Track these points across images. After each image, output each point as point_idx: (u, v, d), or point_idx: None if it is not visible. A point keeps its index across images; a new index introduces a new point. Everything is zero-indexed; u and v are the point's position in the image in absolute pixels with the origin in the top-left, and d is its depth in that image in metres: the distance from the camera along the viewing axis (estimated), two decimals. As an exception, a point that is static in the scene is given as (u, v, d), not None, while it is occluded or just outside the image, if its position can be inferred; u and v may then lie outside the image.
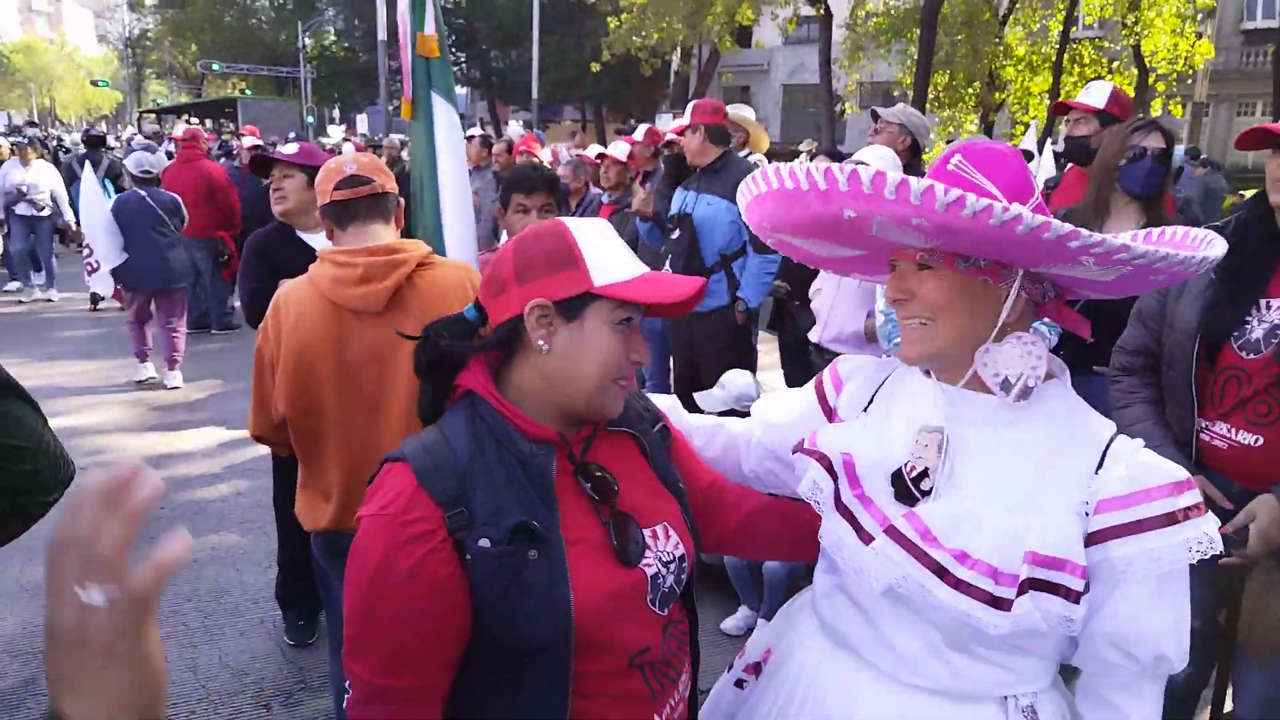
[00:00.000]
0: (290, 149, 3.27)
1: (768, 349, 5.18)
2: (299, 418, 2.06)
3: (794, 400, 1.49)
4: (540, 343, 1.18)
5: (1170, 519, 1.11)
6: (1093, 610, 1.13)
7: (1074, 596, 1.09)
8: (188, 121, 30.57)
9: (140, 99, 56.86)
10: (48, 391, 6.29)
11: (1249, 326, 1.96)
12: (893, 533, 1.16)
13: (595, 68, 19.66)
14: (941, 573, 1.12)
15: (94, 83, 58.53)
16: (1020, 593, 1.09)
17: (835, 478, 1.25)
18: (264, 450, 5.27)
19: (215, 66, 39.20)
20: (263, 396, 2.12)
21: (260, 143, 11.00)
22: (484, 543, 1.12)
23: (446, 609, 1.12)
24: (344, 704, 1.20)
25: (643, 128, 6.25)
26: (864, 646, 1.27)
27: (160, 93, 59.73)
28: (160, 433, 5.64)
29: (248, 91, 39.21)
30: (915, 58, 14.73)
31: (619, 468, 1.27)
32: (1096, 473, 1.15)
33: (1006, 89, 18.14)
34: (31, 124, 17.05)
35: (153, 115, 38.73)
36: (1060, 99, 16.02)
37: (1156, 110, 17.59)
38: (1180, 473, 1.14)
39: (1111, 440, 1.18)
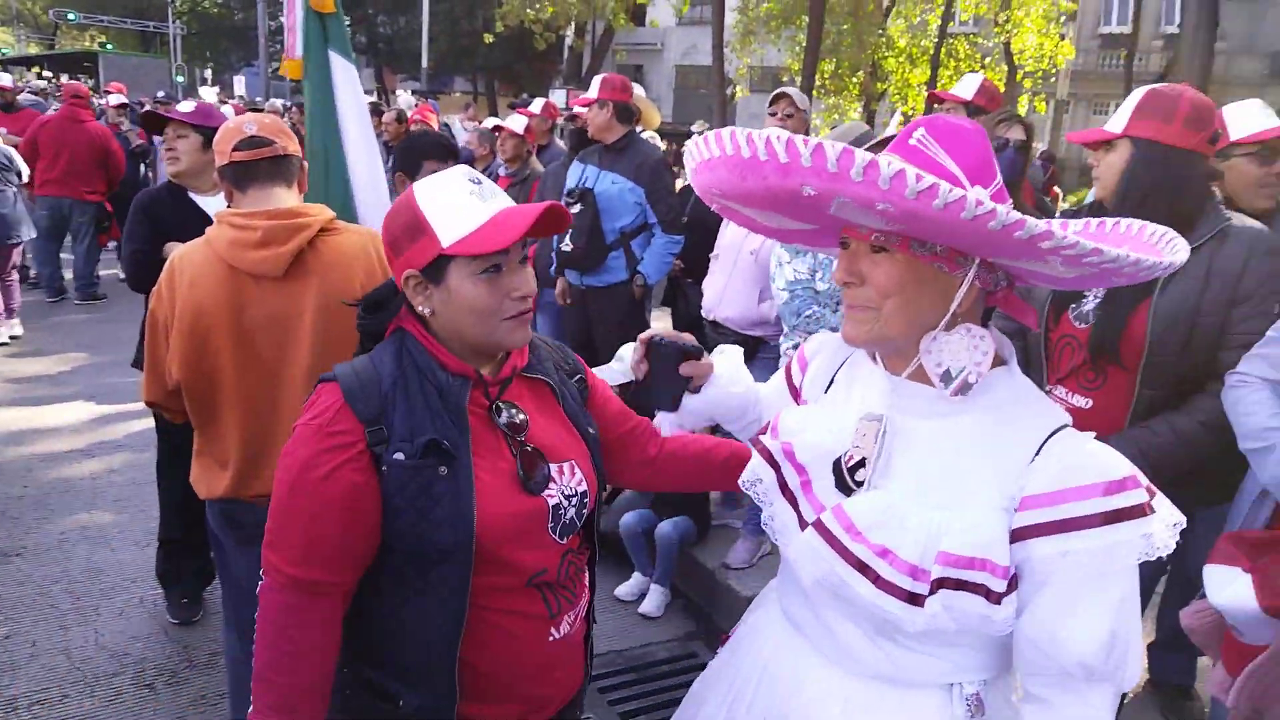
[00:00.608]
0: (186, 107, 3.13)
1: (661, 326, 5.31)
2: (194, 383, 2.02)
3: (773, 381, 1.52)
4: (422, 308, 1.33)
5: (1099, 519, 1.05)
6: (1020, 608, 1.09)
7: (994, 597, 1.06)
8: (39, 75, 28.14)
9: (-18, 48, 51.81)
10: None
11: (1085, 299, 2.16)
12: (819, 526, 1.15)
13: (488, 39, 19.29)
14: (864, 569, 1.10)
15: (-74, 27, 53.01)
16: (932, 591, 1.07)
17: (777, 466, 1.24)
18: (138, 425, 5.07)
19: (71, 16, 36.15)
20: (156, 361, 2.05)
21: (127, 101, 10.33)
22: (399, 455, 1.28)
23: (357, 512, 1.28)
24: (248, 642, 1.34)
25: (539, 101, 6.25)
26: (811, 633, 1.27)
27: (5, 41, 54.65)
28: (22, 408, 5.27)
29: (109, 45, 36.35)
30: (804, 45, 15.15)
31: (533, 409, 1.42)
32: (1029, 466, 1.10)
33: (888, 79, 18.90)
34: None
35: (-3, 66, 35.39)
36: (936, 90, 16.88)
37: (1023, 105, 18.71)
38: (1117, 470, 1.07)
39: (1055, 432, 1.12)
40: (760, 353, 3.44)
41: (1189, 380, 2.05)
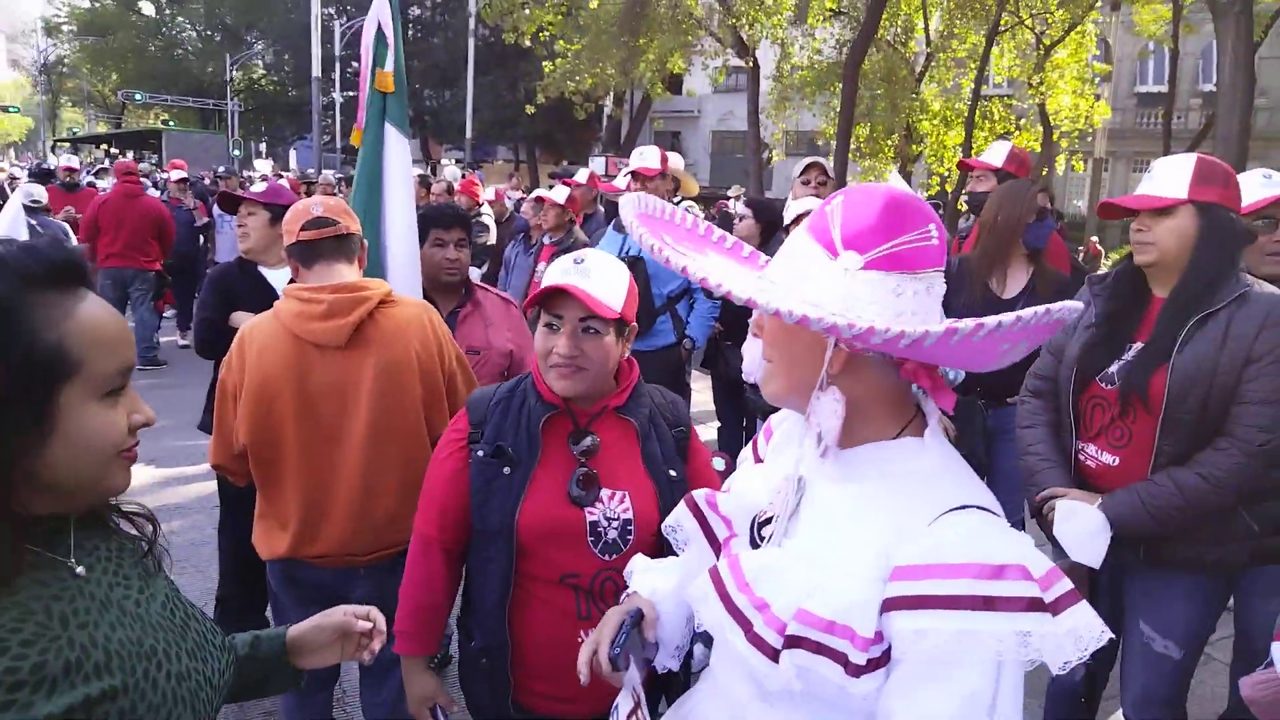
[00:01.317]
0: (258, 188, 3.38)
1: (700, 387, 5.38)
2: (260, 448, 2.14)
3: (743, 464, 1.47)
4: None
5: (964, 602, 0.95)
6: (888, 685, 1.02)
7: (852, 668, 0.99)
8: (107, 153, 29.67)
9: (55, 127, 54.90)
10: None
11: (1112, 365, 2.24)
12: (714, 573, 1.14)
13: (530, 110, 19.93)
14: (741, 620, 1.08)
15: (3, 109, 56.33)
16: (787, 646, 1.03)
17: (701, 517, 1.27)
18: (197, 489, 5.25)
19: (137, 96, 38.29)
20: (224, 425, 2.19)
21: (188, 176, 10.87)
22: (480, 453, 1.75)
23: (457, 488, 1.76)
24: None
25: (584, 171, 6.46)
26: (721, 680, 1.26)
27: (76, 121, 57.82)
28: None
29: (171, 123, 38.29)
30: (838, 110, 15.43)
31: (613, 441, 1.76)
32: (914, 537, 1.03)
33: (923, 142, 19.09)
34: None
35: (68, 144, 37.46)
36: (971, 151, 16.97)
37: (1061, 164, 18.74)
38: (1004, 555, 0.97)
39: (957, 509, 1.04)
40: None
41: (1206, 438, 2.10)
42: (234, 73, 38.41)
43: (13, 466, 0.87)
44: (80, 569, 0.97)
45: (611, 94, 20.84)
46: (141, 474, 5.49)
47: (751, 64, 17.65)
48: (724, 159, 32.35)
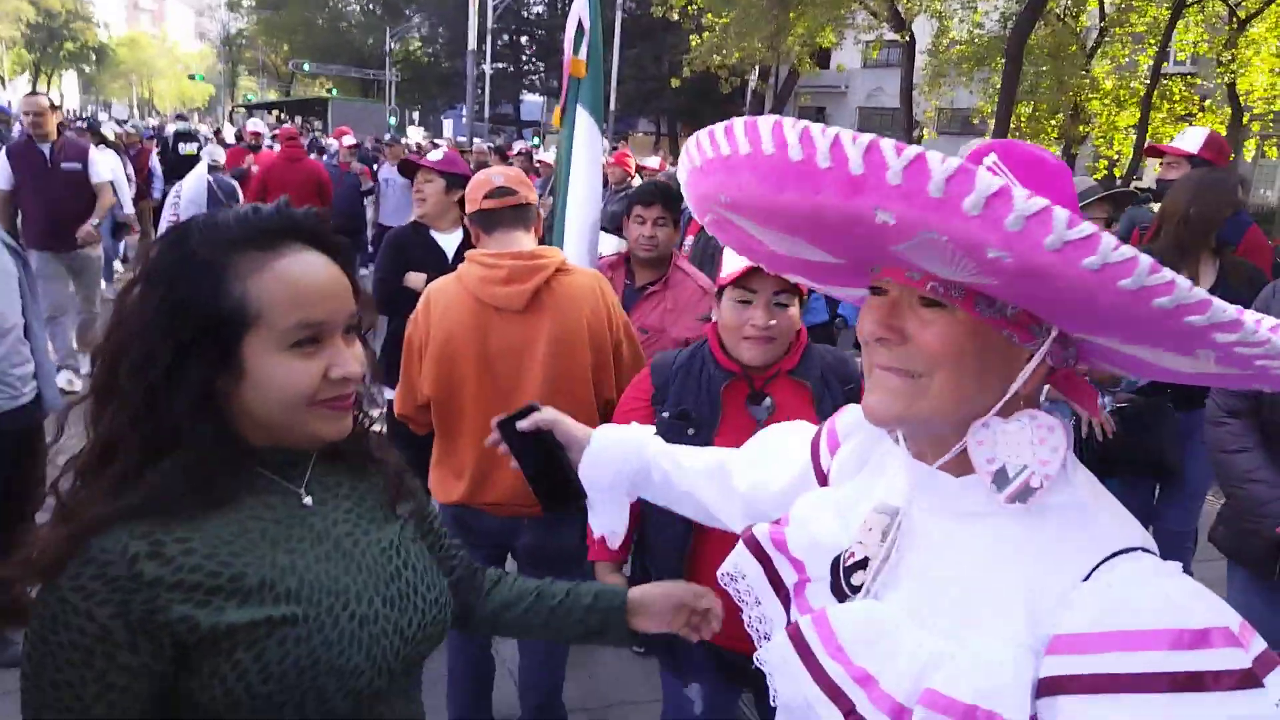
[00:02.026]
0: (435, 156, 3.57)
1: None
2: (441, 400, 2.30)
3: (786, 463, 1.24)
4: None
5: (1160, 683, 0.72)
6: None
7: None
8: (278, 118, 31.86)
9: (233, 94, 59.28)
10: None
11: None
12: (794, 633, 0.92)
13: (675, 83, 19.94)
14: (837, 695, 0.87)
15: (190, 77, 61.19)
16: None
17: (766, 560, 1.04)
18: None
19: (306, 66, 40.79)
20: (410, 379, 2.35)
21: (357, 142, 11.53)
22: (665, 414, 1.90)
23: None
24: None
25: None
26: None
27: (250, 89, 62.17)
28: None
29: (334, 91, 40.66)
30: (998, 87, 14.64)
31: (787, 402, 1.85)
32: (1072, 595, 0.81)
33: (1091, 122, 17.87)
34: (118, 122, 17.35)
35: (244, 110, 40.39)
36: (1148, 134, 15.75)
37: (1250, 150, 17.13)
38: (1198, 617, 0.74)
39: (1119, 553, 0.82)
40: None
41: None
42: (392, 45, 40.23)
43: (215, 400, 0.96)
44: (308, 500, 1.05)
45: (757, 68, 20.54)
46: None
47: (907, 38, 16.99)
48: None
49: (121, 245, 9.95)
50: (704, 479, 1.34)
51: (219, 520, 0.97)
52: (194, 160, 8.95)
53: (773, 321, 1.82)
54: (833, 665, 0.87)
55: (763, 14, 16.96)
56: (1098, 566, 0.81)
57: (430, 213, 3.42)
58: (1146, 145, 4.68)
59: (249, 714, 0.94)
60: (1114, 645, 0.75)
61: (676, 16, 17.80)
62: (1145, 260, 0.69)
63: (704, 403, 1.87)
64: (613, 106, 27.16)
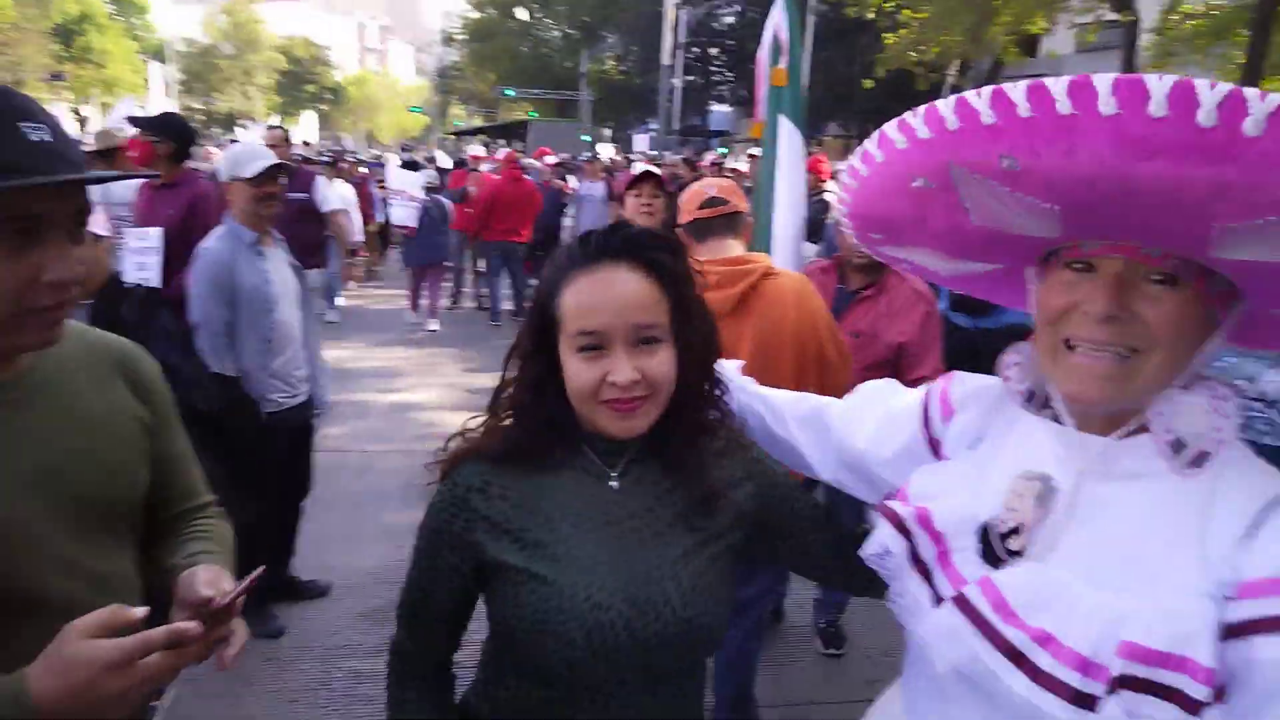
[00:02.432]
0: (639, 169, 3.83)
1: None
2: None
3: (893, 424, 1.25)
4: None
5: None
6: None
7: (1192, 705, 0.82)
8: (483, 142, 34.19)
9: (444, 122, 64.27)
10: (385, 374, 7.51)
11: None
12: (962, 602, 0.96)
13: (867, 84, 19.44)
14: (1017, 657, 0.90)
15: (410, 109, 66.93)
16: (1111, 690, 0.85)
17: (909, 535, 1.06)
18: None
19: (509, 92, 43.49)
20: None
21: (560, 160, 12.22)
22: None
23: None
24: None
25: None
26: None
27: (459, 116, 67.11)
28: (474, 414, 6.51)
29: (533, 113, 43.02)
30: (1239, 62, 13.10)
31: None
32: (1243, 543, 0.87)
33: (1361, 95, 15.58)
34: (341, 152, 18.89)
35: (453, 136, 43.66)
36: None
37: None
38: None
39: (1273, 503, 0.88)
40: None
41: None
42: (587, 65, 42.03)
43: (551, 386, 1.17)
44: (614, 483, 1.20)
45: (958, 62, 19.60)
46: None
47: (1130, 17, 15.59)
48: (1085, 127, 28.94)
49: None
50: (799, 427, 1.38)
51: (539, 479, 1.19)
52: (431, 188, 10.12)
53: None
54: (1009, 629, 0.90)
55: (964, 3, 16.19)
56: (1260, 514, 0.86)
57: (654, 225, 3.64)
58: None
59: (510, 638, 1.17)
60: None
61: (872, 15, 17.37)
62: None
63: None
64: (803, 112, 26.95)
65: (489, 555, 1.16)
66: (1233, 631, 0.84)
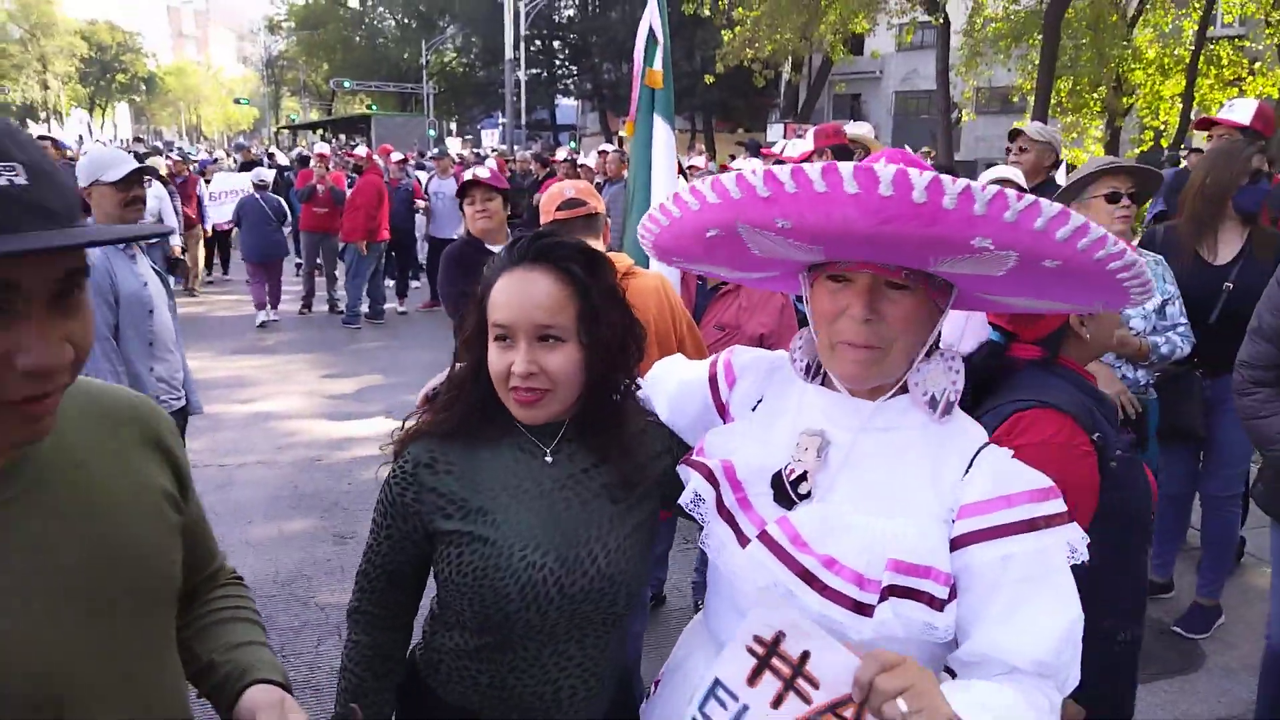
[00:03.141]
0: (483, 171, 3.81)
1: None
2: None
3: (686, 392, 1.47)
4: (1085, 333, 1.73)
5: (1031, 525, 1.10)
6: (963, 616, 1.11)
7: (937, 604, 1.08)
8: (322, 137, 32.68)
9: (277, 115, 60.78)
10: (237, 383, 7.17)
11: None
12: (765, 538, 1.17)
13: (709, 80, 20.05)
14: (809, 578, 1.12)
15: (236, 101, 62.81)
16: (881, 599, 1.09)
17: (716, 485, 1.25)
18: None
19: (346, 84, 41.65)
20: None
21: (403, 157, 11.92)
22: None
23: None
24: None
25: (811, 132, 6.51)
26: None
27: (293, 109, 63.72)
28: (336, 420, 6.35)
29: (374, 107, 41.48)
30: (1037, 63, 14.48)
31: None
32: (963, 478, 1.16)
33: (1135, 93, 17.55)
34: (161, 145, 17.49)
35: (288, 130, 41.38)
36: (1195, 102, 15.42)
37: (1302, 112, 16.61)
38: (1043, 480, 1.14)
39: (981, 448, 1.19)
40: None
41: None
42: (428, 57, 40.95)
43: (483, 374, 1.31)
44: (549, 458, 1.35)
45: (790, 59, 20.54)
46: (383, 424, 6.27)
47: (941, 19, 16.88)
48: (908, 120, 31.04)
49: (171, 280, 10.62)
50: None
51: (481, 454, 1.33)
52: (260, 186, 9.85)
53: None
54: (803, 556, 1.13)
55: (794, 4, 16.99)
56: (974, 457, 1.17)
57: (493, 228, 3.66)
58: (1199, 118, 4.68)
59: (454, 593, 1.31)
60: (999, 506, 1.12)
61: (707, 12, 17.91)
62: (1110, 236, 0.99)
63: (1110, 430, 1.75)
64: (648, 105, 27.41)
65: (436, 523, 1.30)
66: (955, 544, 1.13)
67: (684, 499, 1.28)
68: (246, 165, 12.71)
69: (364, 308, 9.67)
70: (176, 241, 8.70)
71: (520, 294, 1.27)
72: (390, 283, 10.61)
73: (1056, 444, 1.52)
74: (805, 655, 1.00)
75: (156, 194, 8.35)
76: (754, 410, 1.35)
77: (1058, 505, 1.13)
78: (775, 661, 1.02)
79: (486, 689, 1.34)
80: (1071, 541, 1.12)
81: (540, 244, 1.29)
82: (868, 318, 1.13)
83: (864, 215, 0.97)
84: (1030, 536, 1.10)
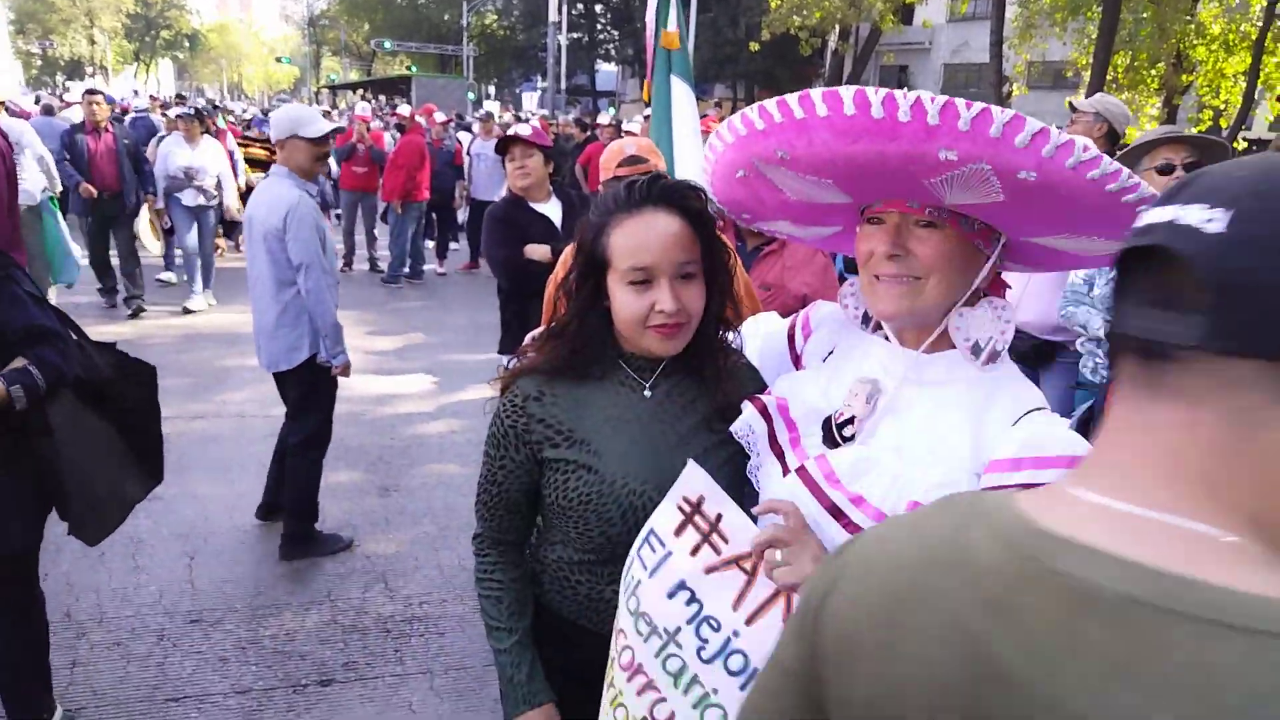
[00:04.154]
0: (524, 130, 3.78)
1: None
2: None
3: (769, 346, 1.55)
4: None
5: None
6: None
7: None
8: (362, 97, 32.73)
9: (318, 75, 60.96)
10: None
11: None
12: (802, 472, 1.22)
13: (754, 47, 19.74)
14: (836, 513, 1.17)
15: (277, 59, 63.08)
16: None
17: (770, 420, 1.33)
18: (469, 395, 5.98)
19: (387, 44, 41.71)
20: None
21: (446, 118, 11.91)
22: None
23: None
24: None
25: None
26: None
27: (333, 69, 63.82)
28: (380, 376, 6.40)
29: (413, 68, 41.42)
30: (1094, 37, 14.05)
31: None
32: (1004, 437, 1.15)
33: (1195, 70, 16.97)
34: (213, 105, 16.98)
35: (329, 90, 41.50)
36: (1260, 81, 14.85)
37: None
38: (1082, 448, 1.09)
39: (1031, 411, 1.17)
40: (1059, 357, 3.46)
41: None
42: (469, 19, 40.71)
43: (597, 315, 1.38)
44: (648, 393, 1.42)
45: (838, 28, 20.14)
46: (423, 381, 6.34)
47: (997, -11, 16.38)
48: (956, 93, 29.70)
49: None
50: None
51: (584, 390, 1.41)
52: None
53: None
54: (834, 492, 1.18)
55: (844, -29, 16.63)
56: (1021, 418, 1.15)
57: (533, 185, 3.62)
58: None
59: (560, 515, 1.42)
60: (1028, 466, 1.08)
61: (755, -22, 17.58)
62: (1125, 169, 1.02)
63: None
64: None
65: (544, 451, 1.39)
66: None
67: (734, 427, 1.36)
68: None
69: (404, 268, 9.73)
70: (232, 202, 8.35)
71: (657, 236, 1.30)
72: (430, 244, 10.65)
73: None
74: (719, 516, 1.23)
75: (215, 152, 8.17)
76: (824, 361, 1.41)
77: None
78: (697, 519, 1.24)
79: (585, 599, 1.45)
80: None
81: (660, 186, 1.33)
82: (893, 253, 1.17)
83: (836, 137, 1.04)
84: None
